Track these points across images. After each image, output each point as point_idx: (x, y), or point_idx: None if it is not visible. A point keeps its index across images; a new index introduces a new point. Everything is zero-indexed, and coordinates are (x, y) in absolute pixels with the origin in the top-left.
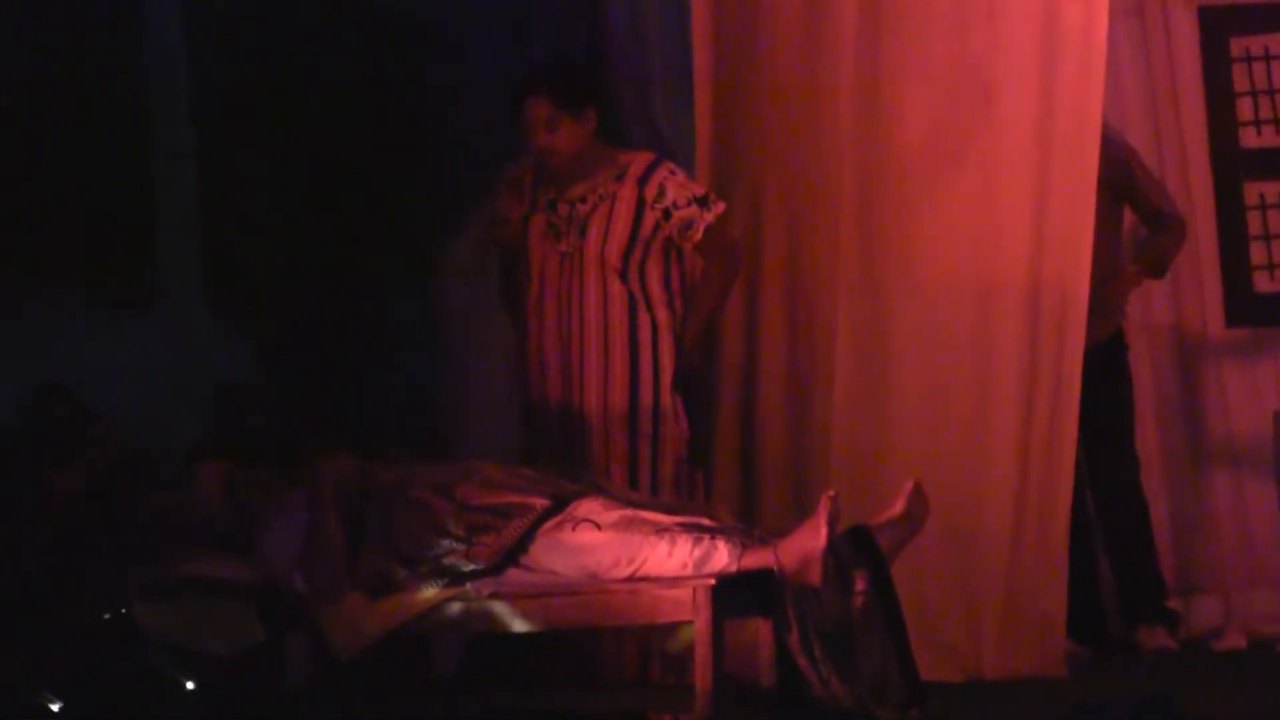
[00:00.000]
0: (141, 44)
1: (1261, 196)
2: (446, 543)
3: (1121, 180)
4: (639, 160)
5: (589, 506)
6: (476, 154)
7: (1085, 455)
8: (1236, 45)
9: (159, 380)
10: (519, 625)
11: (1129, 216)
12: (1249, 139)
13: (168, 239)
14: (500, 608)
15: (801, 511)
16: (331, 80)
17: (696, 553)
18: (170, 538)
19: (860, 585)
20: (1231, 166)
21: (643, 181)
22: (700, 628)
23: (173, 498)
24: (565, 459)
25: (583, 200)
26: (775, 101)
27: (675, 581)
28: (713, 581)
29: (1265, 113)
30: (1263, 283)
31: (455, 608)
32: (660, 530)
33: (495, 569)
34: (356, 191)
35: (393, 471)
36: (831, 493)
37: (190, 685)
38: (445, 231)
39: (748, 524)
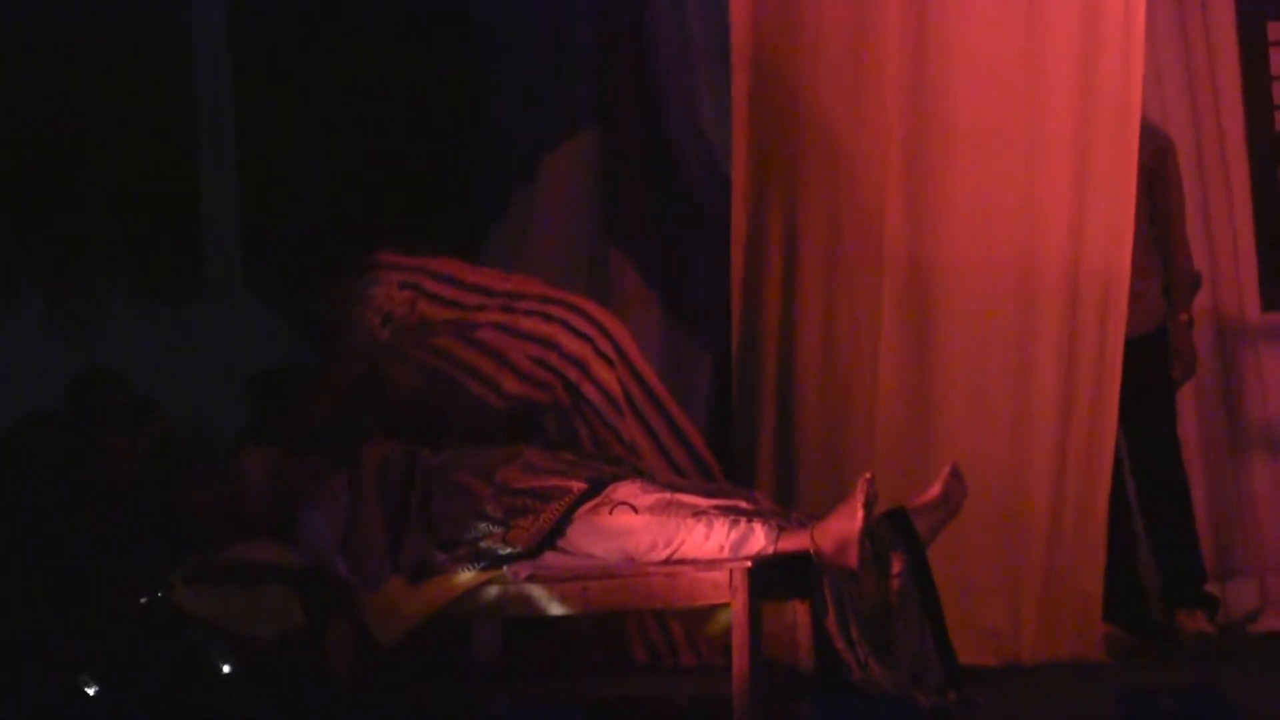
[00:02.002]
0: (187, 36)
1: None
2: (484, 526)
3: (1157, 169)
4: None
5: (627, 489)
6: (516, 143)
7: (1127, 441)
8: (1274, 29)
9: (208, 367)
10: (556, 608)
11: None
12: None
13: (213, 227)
14: (538, 591)
15: (843, 495)
16: (372, 69)
17: (733, 535)
18: (216, 524)
19: (897, 568)
20: (1268, 151)
21: None
22: (738, 610)
23: (218, 486)
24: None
25: None
26: (817, 87)
27: (712, 564)
28: (749, 564)
29: None
30: None
31: (493, 591)
32: (697, 513)
33: (533, 552)
34: (400, 177)
35: (438, 457)
36: (868, 475)
37: (227, 669)
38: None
39: (786, 507)
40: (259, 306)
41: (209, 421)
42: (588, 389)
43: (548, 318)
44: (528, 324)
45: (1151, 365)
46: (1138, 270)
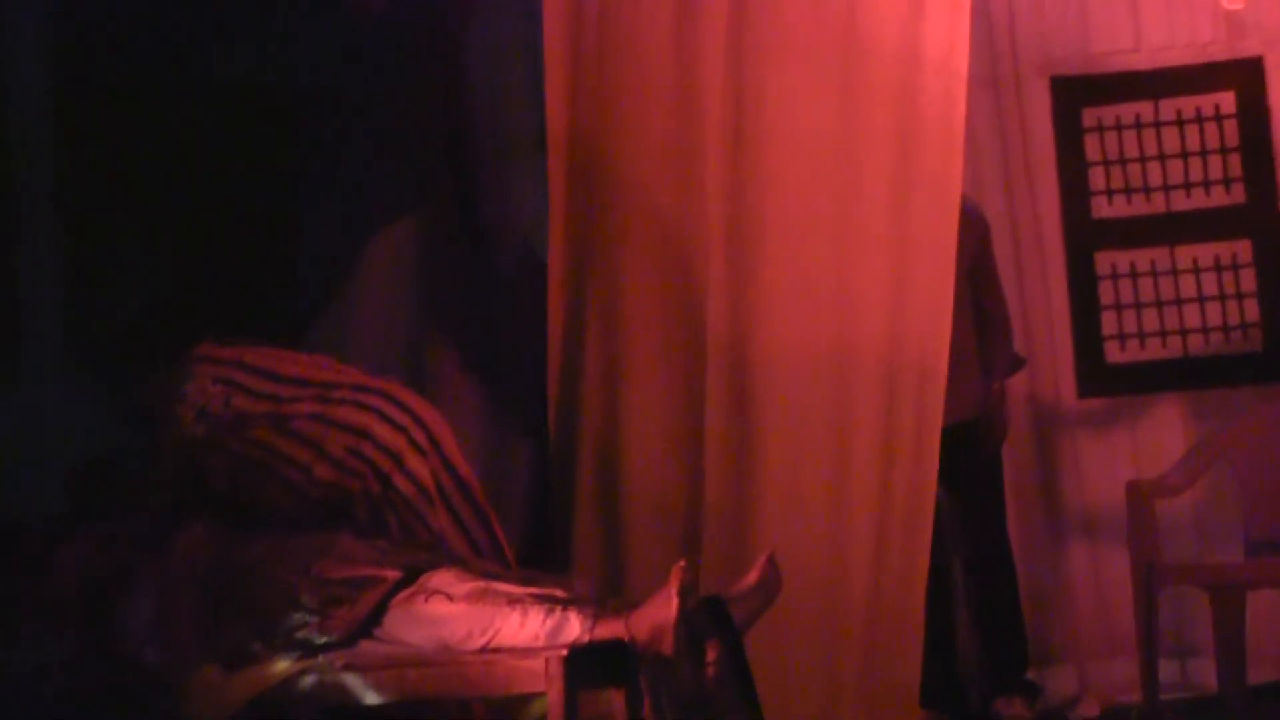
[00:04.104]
0: (4, 116)
1: (1113, 266)
2: (300, 616)
3: (979, 253)
4: None
5: (442, 578)
6: (340, 232)
7: (956, 526)
8: (1089, 115)
9: (26, 454)
10: (372, 696)
11: None
12: (1101, 209)
13: (32, 311)
14: (354, 679)
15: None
16: (197, 154)
17: (549, 623)
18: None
19: (713, 655)
20: (1084, 236)
21: None
22: (553, 699)
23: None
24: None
25: None
26: (637, 173)
27: (528, 652)
28: (565, 652)
29: (1117, 182)
30: (1114, 353)
31: (309, 680)
32: (513, 601)
33: (349, 641)
34: (227, 264)
35: (253, 547)
36: (682, 563)
37: None
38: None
39: (607, 594)
40: (79, 394)
41: (26, 509)
42: (399, 479)
43: (362, 407)
44: (342, 413)
45: (977, 451)
46: (959, 356)
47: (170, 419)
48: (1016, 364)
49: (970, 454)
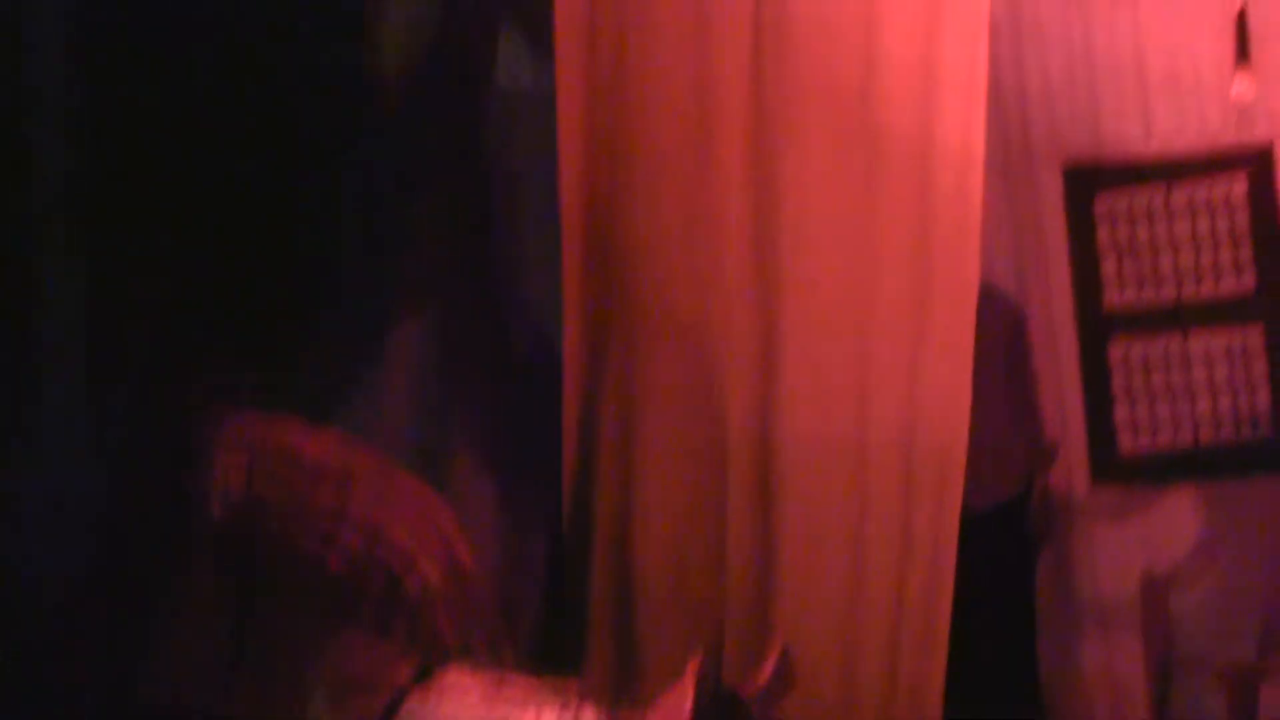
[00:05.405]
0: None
1: (1126, 355)
2: (314, 707)
3: (1009, 340)
4: None
5: (455, 676)
6: (367, 311)
7: (981, 612)
8: (1101, 202)
9: (47, 514)
10: None
11: None
12: (1112, 297)
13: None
14: None
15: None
16: (221, 169)
17: (564, 719)
18: None
19: None
20: (1096, 325)
21: None
22: None
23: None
24: None
25: None
26: (658, 249)
27: None
28: None
29: (1129, 271)
30: (1127, 442)
31: None
32: (527, 697)
33: None
34: (258, 335)
35: (266, 629)
36: (699, 656)
37: None
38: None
39: (624, 682)
40: (97, 452)
41: (42, 570)
42: (410, 582)
43: (379, 501)
44: (357, 509)
45: (1010, 535)
46: (995, 438)
47: (191, 497)
48: (1043, 458)
49: (1001, 538)
